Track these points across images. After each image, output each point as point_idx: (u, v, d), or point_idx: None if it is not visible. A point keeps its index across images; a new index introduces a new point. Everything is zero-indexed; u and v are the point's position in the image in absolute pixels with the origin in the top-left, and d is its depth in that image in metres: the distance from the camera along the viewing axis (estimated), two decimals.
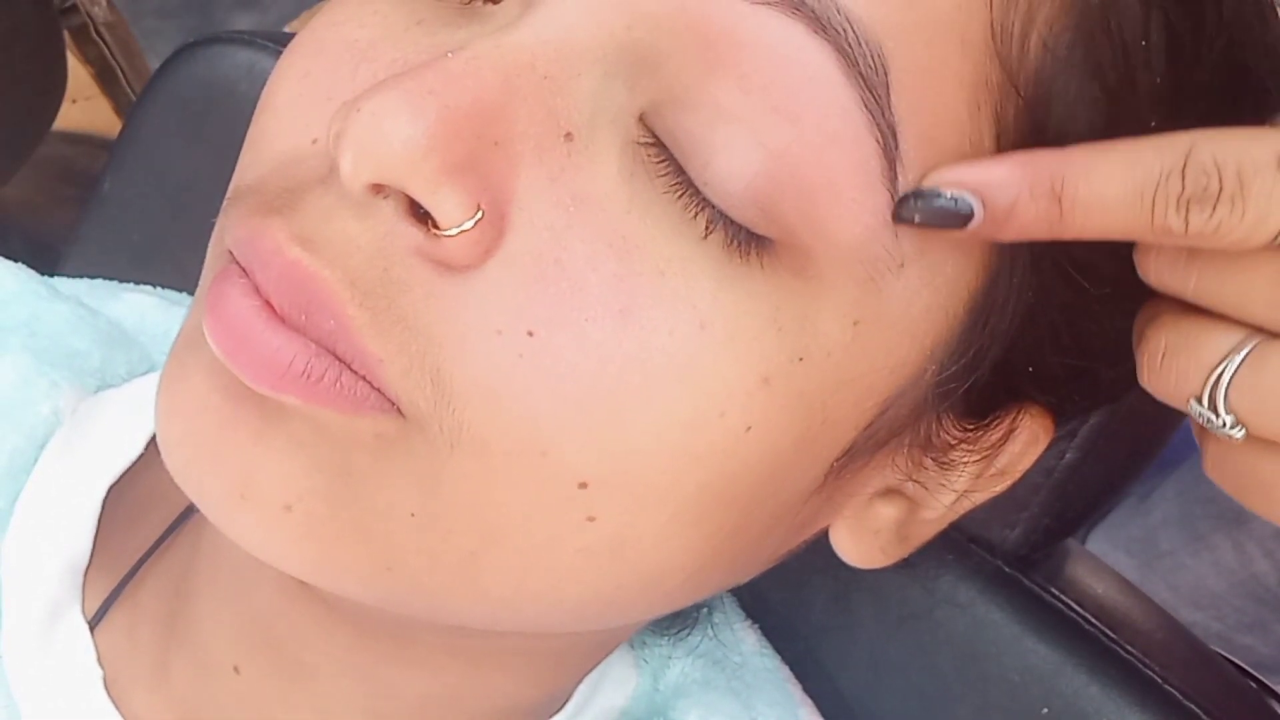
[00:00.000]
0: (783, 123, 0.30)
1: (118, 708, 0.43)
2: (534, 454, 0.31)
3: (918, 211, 0.30)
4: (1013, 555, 0.55)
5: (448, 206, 0.30)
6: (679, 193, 0.30)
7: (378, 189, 0.30)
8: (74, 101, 1.22)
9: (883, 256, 0.31)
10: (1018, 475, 0.38)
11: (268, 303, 0.31)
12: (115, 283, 0.61)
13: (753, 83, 0.30)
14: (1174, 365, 0.32)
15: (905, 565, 0.55)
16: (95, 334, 0.52)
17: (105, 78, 1.28)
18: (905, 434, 0.36)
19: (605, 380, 0.30)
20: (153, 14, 1.38)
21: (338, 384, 0.31)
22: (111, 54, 1.26)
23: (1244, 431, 0.30)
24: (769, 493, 0.34)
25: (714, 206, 0.30)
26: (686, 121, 0.30)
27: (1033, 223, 0.29)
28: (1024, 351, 0.35)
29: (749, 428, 0.32)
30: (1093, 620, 0.54)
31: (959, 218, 0.30)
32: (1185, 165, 0.28)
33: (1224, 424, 0.30)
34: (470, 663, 0.41)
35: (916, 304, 0.32)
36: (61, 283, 0.57)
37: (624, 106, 0.31)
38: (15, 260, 0.55)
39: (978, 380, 0.35)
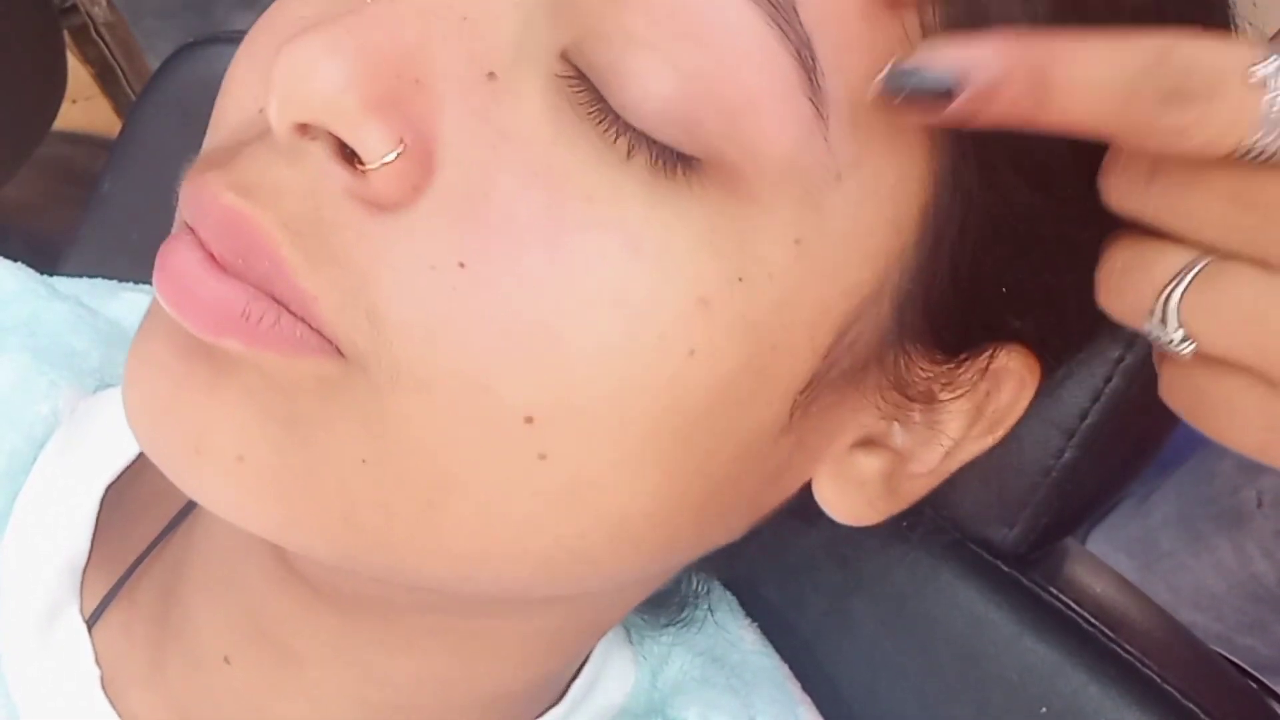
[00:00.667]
0: (692, 47, 0.30)
1: (114, 707, 0.43)
2: (475, 389, 0.31)
3: (904, 86, 0.29)
4: (1011, 554, 0.55)
5: (370, 142, 0.30)
6: (598, 119, 0.31)
7: (304, 130, 0.31)
8: (74, 101, 1.23)
9: (816, 169, 0.31)
10: (1010, 425, 0.38)
11: (210, 254, 0.32)
12: (114, 282, 0.61)
13: (658, 13, 0.30)
14: (1129, 282, 0.32)
15: (904, 564, 0.55)
16: (94, 333, 0.52)
17: (105, 78, 1.28)
18: (873, 369, 0.36)
19: (540, 309, 0.31)
20: (153, 14, 1.38)
21: (276, 326, 0.31)
22: (111, 54, 1.26)
23: (1193, 347, 0.31)
24: (727, 426, 0.34)
25: (634, 129, 0.31)
26: (604, 51, 0.31)
27: (1015, 103, 0.29)
28: (985, 272, 0.35)
29: (692, 351, 0.32)
30: (1092, 620, 0.54)
31: (945, 93, 0.29)
32: (1164, 62, 0.29)
33: (1174, 340, 0.31)
34: (458, 644, 0.41)
35: (861, 219, 0.32)
36: (61, 282, 0.57)
37: (545, 45, 0.31)
38: (15, 260, 0.55)
39: (941, 304, 0.35)
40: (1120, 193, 0.32)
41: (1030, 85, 0.29)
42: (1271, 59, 0.29)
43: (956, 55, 0.29)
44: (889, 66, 0.30)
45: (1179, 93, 0.29)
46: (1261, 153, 0.29)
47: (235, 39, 0.72)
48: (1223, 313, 0.31)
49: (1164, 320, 0.32)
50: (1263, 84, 0.28)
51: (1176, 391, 0.34)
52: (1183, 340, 0.31)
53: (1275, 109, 0.28)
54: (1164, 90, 0.29)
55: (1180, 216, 0.31)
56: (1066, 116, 0.29)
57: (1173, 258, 0.31)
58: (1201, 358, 0.32)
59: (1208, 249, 0.31)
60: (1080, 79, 0.29)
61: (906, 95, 0.29)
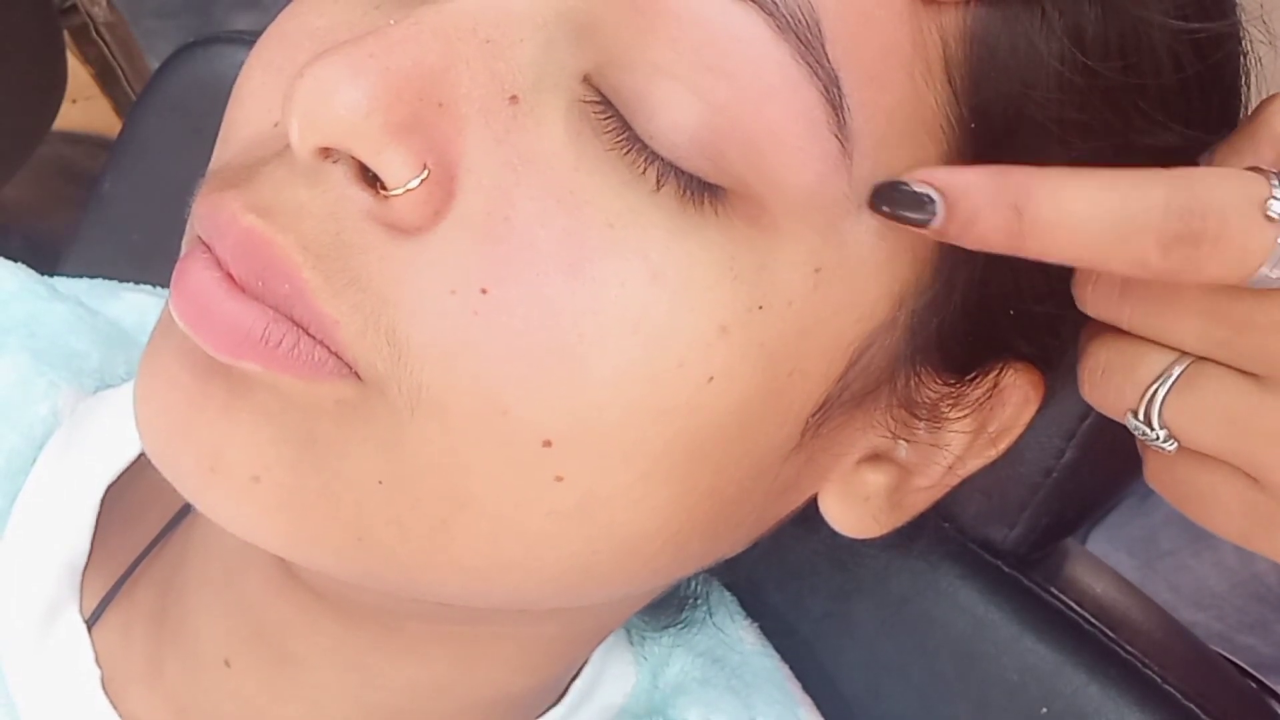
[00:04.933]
0: (718, 80, 0.30)
1: (115, 706, 0.43)
2: (494, 413, 0.31)
3: (885, 201, 0.31)
4: (1012, 555, 0.55)
5: (393, 166, 0.30)
6: (626, 148, 0.31)
7: (326, 153, 0.31)
8: (74, 101, 1.23)
9: (838, 201, 0.32)
10: (1013, 439, 0.38)
11: (228, 274, 0.32)
12: (115, 282, 0.61)
13: (684, 45, 0.30)
14: (1112, 382, 0.34)
15: (904, 564, 0.55)
16: (94, 334, 0.52)
17: (105, 78, 1.28)
18: (883, 390, 0.36)
19: (560, 334, 0.31)
20: (153, 14, 1.38)
21: (295, 349, 0.31)
22: (111, 54, 1.26)
23: (1176, 445, 0.33)
24: (741, 449, 0.34)
25: (662, 159, 0.31)
26: (628, 80, 0.31)
27: (991, 233, 0.30)
28: (997, 296, 0.35)
29: (710, 378, 0.32)
30: (1092, 620, 0.54)
31: (923, 213, 0.30)
32: (1167, 203, 0.29)
33: (1158, 437, 0.33)
34: (459, 650, 0.41)
35: (880, 249, 0.33)
36: (61, 282, 0.57)
37: (567, 68, 0.31)
38: (15, 260, 0.55)
39: (953, 329, 0.35)
40: (1095, 302, 0.33)
41: (1007, 216, 0.30)
42: None
43: (939, 178, 0.30)
44: (876, 183, 0.31)
45: (1185, 237, 0.29)
46: (1264, 282, 0.30)
47: (235, 39, 0.72)
48: (1204, 415, 0.32)
49: (1147, 419, 0.33)
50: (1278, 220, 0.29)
51: (1160, 478, 0.35)
52: (1167, 438, 0.33)
53: None
54: (1172, 232, 0.29)
55: (1155, 328, 0.32)
56: (1047, 250, 0.30)
57: (1154, 360, 0.33)
58: (1184, 450, 0.33)
59: (1187, 352, 0.32)
60: (1058, 218, 0.29)
61: (888, 212, 0.31)
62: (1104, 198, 0.29)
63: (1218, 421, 0.32)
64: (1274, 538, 0.33)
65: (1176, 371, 0.32)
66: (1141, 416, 0.33)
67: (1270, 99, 0.33)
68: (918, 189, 0.30)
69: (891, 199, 0.30)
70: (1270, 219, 0.29)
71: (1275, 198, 0.29)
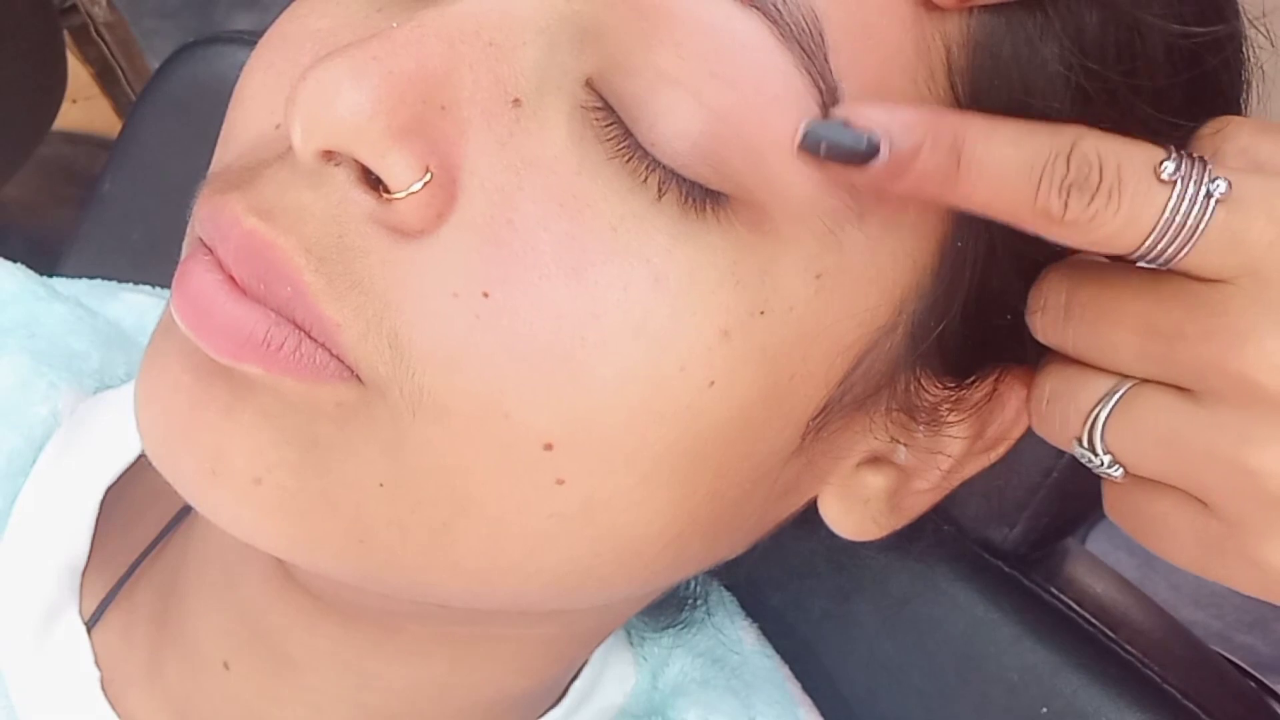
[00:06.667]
0: (722, 86, 0.30)
1: (114, 708, 0.43)
2: (496, 416, 0.31)
3: (823, 142, 0.30)
4: (1012, 555, 0.55)
5: (396, 170, 0.30)
6: (627, 157, 0.31)
7: (328, 156, 0.31)
8: (74, 101, 1.23)
9: (839, 207, 0.32)
10: (1011, 443, 0.39)
11: (230, 276, 0.32)
12: (114, 283, 0.61)
13: (688, 51, 0.30)
14: (1056, 409, 0.34)
15: (904, 564, 0.55)
16: (94, 335, 0.52)
17: (105, 78, 1.29)
18: (883, 394, 0.36)
19: (562, 338, 0.31)
20: (153, 14, 1.38)
21: (297, 352, 0.31)
22: (111, 54, 1.27)
23: (1122, 471, 0.33)
24: (742, 452, 0.34)
25: (664, 167, 0.31)
26: (631, 86, 0.31)
27: (930, 175, 0.30)
28: (996, 301, 0.35)
29: (712, 382, 0.32)
30: (1092, 620, 0.54)
31: (861, 155, 0.29)
32: (1071, 151, 0.30)
33: (1103, 464, 0.33)
34: (458, 652, 0.41)
35: (881, 254, 0.33)
36: (60, 283, 0.57)
37: (570, 73, 0.31)
38: (15, 260, 0.55)
39: (954, 333, 0.35)
40: (1043, 327, 0.34)
41: (945, 156, 0.29)
42: (1177, 159, 0.30)
43: (877, 117, 0.29)
44: (807, 122, 0.30)
45: (1084, 183, 0.29)
46: (1160, 254, 0.30)
47: (235, 39, 0.73)
48: (1143, 438, 0.32)
49: (1091, 446, 0.33)
50: (1171, 183, 0.29)
51: (1117, 509, 0.35)
52: (1111, 464, 0.33)
53: (1181, 208, 0.29)
54: (1070, 180, 0.29)
55: (1095, 348, 0.33)
56: (974, 195, 0.30)
57: (1095, 386, 0.33)
58: (1134, 478, 0.33)
59: (1127, 375, 0.32)
60: (989, 159, 0.29)
61: (825, 151, 0.30)
62: (1025, 140, 0.30)
63: (1156, 442, 0.32)
64: (1227, 564, 0.33)
65: (1117, 395, 0.32)
66: (1085, 443, 0.33)
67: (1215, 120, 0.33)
68: (858, 129, 0.29)
69: (827, 141, 0.30)
70: (1162, 181, 0.30)
71: (1171, 159, 0.30)
